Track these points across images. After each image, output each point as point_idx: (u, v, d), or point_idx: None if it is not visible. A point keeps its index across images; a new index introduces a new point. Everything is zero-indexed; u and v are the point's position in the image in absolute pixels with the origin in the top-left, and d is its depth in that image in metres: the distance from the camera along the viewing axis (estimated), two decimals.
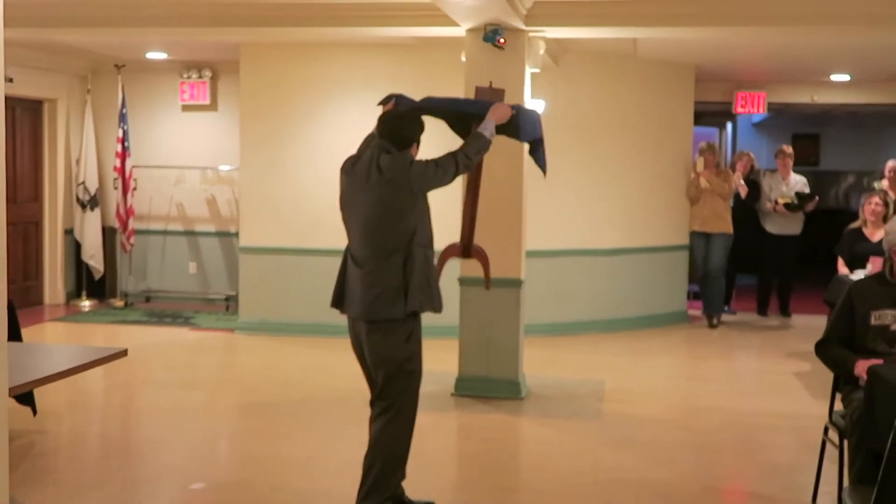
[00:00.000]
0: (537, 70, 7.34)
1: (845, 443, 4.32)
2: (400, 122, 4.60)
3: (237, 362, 8.78)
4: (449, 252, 5.39)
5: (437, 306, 4.53)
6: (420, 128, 4.62)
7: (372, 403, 4.60)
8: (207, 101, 10.88)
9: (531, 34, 7.08)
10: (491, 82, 5.12)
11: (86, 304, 10.90)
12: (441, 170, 4.48)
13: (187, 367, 8.31)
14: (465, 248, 5.34)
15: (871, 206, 8.37)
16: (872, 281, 4.61)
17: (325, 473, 5.43)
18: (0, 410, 2.47)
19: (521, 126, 4.95)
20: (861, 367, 4.32)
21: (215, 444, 6.29)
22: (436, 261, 4.74)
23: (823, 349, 4.62)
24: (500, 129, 4.85)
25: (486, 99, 5.03)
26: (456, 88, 7.19)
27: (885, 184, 10.58)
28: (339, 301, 4.62)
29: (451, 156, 4.52)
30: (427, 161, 4.49)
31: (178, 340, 9.27)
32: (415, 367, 4.51)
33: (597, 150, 9.76)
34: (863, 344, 4.48)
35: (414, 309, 4.44)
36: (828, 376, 4.79)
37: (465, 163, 4.56)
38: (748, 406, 7.08)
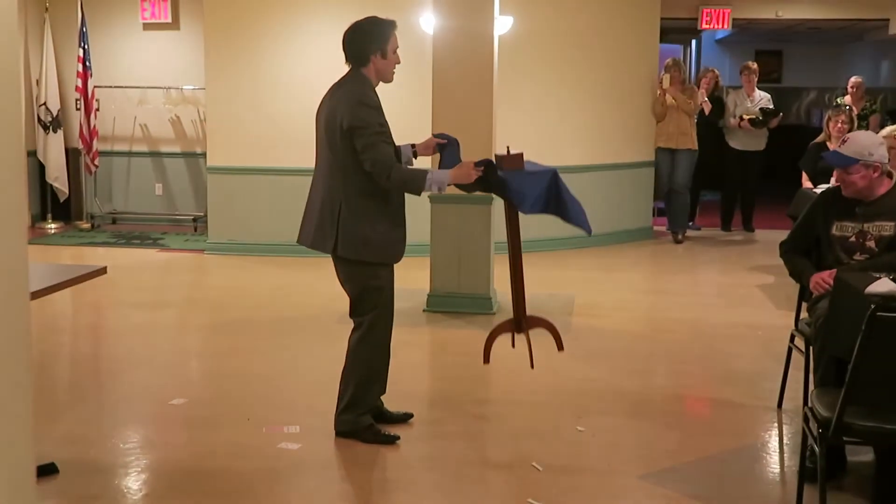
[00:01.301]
0: None
1: (811, 349, 4.45)
2: (351, 33, 4.40)
3: (207, 282, 8.80)
4: (499, 330, 4.83)
5: (379, 257, 4.45)
6: (372, 36, 4.35)
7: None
8: (169, 20, 10.72)
9: None
10: (508, 147, 4.60)
11: (51, 226, 10.83)
12: (370, 153, 4.25)
13: (158, 288, 8.33)
14: (518, 321, 4.77)
15: (837, 124, 8.49)
16: (838, 192, 4.70)
17: (301, 388, 5.51)
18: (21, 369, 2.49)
19: (514, 190, 4.49)
20: (814, 280, 4.46)
21: (190, 362, 6.36)
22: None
23: (787, 252, 4.75)
24: (496, 190, 4.66)
25: (503, 164, 4.56)
26: (424, 4, 7.15)
27: (847, 99, 10.71)
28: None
29: (388, 162, 4.27)
30: (376, 134, 4.27)
31: (147, 261, 9.27)
32: (381, 283, 4.51)
33: (563, 67, 9.75)
34: (824, 253, 4.60)
35: (344, 255, 4.43)
36: (791, 289, 4.92)
37: (391, 179, 4.30)
38: (714, 318, 7.23)
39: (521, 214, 4.64)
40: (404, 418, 4.84)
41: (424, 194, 4.64)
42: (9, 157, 2.45)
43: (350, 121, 4.27)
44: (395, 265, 4.59)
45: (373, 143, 4.26)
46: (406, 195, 4.48)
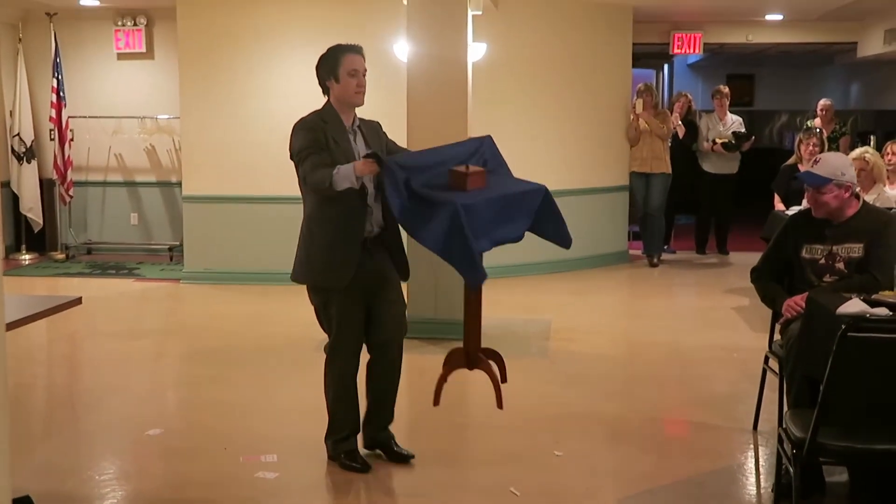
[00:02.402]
0: (479, 12, 7.36)
1: (784, 371, 4.49)
2: (316, 66, 4.47)
3: (184, 311, 8.77)
4: (453, 362, 4.52)
5: (316, 281, 4.45)
6: (324, 63, 4.39)
7: None
8: (143, 49, 10.72)
9: None
10: (467, 166, 4.30)
11: (26, 257, 10.77)
12: (300, 171, 4.32)
13: (134, 318, 8.29)
14: (470, 356, 4.44)
15: (808, 147, 8.61)
16: (807, 215, 4.76)
17: (278, 416, 5.49)
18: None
19: (390, 201, 4.15)
20: (786, 305, 4.51)
21: (166, 392, 6.32)
22: None
23: (758, 278, 4.80)
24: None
25: (459, 183, 4.22)
26: (398, 32, 7.19)
27: (817, 122, 10.85)
28: None
29: (312, 165, 4.26)
30: (303, 150, 4.29)
31: (122, 291, 9.23)
32: (331, 312, 4.48)
33: (537, 93, 9.82)
34: (795, 276, 4.64)
35: (297, 280, 4.50)
36: (766, 311, 4.94)
37: (307, 183, 4.33)
38: (689, 341, 7.28)
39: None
40: (405, 458, 4.71)
41: None
42: None
43: (290, 150, 4.40)
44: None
45: (300, 161, 4.33)
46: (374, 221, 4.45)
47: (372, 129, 4.57)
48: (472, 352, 4.40)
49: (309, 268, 4.46)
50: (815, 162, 4.66)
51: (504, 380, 4.51)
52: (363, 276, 4.42)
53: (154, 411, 5.71)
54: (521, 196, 4.38)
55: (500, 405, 4.41)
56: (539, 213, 4.38)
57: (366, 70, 4.44)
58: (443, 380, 4.49)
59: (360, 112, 4.57)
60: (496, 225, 4.20)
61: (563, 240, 4.53)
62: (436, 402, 4.48)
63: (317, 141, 4.30)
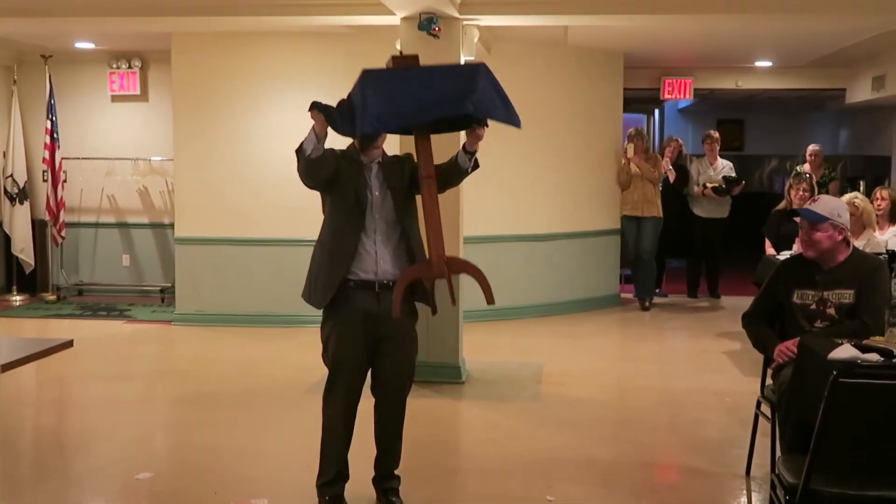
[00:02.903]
0: (472, 58, 7.42)
1: (776, 416, 4.49)
2: None
3: (175, 353, 8.74)
4: (412, 273, 4.37)
5: (312, 302, 4.51)
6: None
7: None
8: (137, 92, 10.77)
9: (465, 22, 7.16)
10: (401, 51, 4.45)
11: (17, 298, 10.74)
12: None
13: (125, 360, 8.26)
14: (438, 264, 4.30)
15: (798, 192, 8.66)
16: (798, 261, 4.78)
17: (269, 460, 5.46)
18: None
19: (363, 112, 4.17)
20: (778, 350, 4.52)
21: (157, 435, 6.29)
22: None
23: (750, 323, 4.81)
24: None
25: (401, 66, 4.41)
26: None
27: (806, 167, 10.94)
28: None
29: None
30: None
31: (113, 333, 9.19)
32: (325, 335, 4.51)
33: (529, 136, 9.82)
34: (787, 320, 4.66)
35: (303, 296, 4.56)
36: (757, 355, 4.95)
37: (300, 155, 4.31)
38: (681, 385, 7.27)
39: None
40: None
41: None
42: None
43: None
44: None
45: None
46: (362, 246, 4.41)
47: (394, 163, 4.57)
48: (438, 260, 4.29)
49: (305, 284, 4.52)
50: (814, 201, 4.72)
51: (490, 300, 4.36)
52: (369, 319, 4.41)
53: (144, 455, 5.67)
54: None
55: (490, 300, 4.32)
56: (481, 91, 4.26)
57: None
58: (400, 290, 4.28)
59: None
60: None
61: (512, 120, 4.43)
62: (396, 312, 4.27)
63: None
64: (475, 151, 4.46)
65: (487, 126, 4.40)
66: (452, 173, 4.52)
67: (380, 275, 4.40)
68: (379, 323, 4.42)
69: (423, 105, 4.25)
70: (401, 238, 4.44)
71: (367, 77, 4.28)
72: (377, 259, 4.40)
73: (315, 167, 4.30)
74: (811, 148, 11.23)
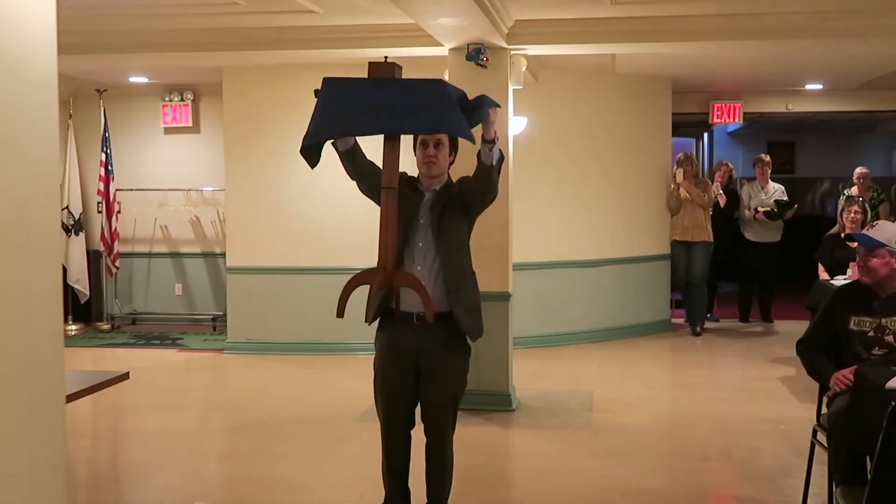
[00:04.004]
0: (520, 87, 7.45)
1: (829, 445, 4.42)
2: None
3: (227, 383, 8.82)
4: (358, 279, 4.30)
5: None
6: None
7: None
8: (190, 124, 10.95)
9: (513, 52, 7.19)
10: (386, 57, 4.35)
11: (72, 327, 10.91)
12: None
13: (177, 389, 8.35)
14: (388, 271, 4.26)
15: (850, 214, 8.55)
16: (855, 287, 4.72)
17: (321, 488, 5.48)
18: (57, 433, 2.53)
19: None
20: (834, 378, 4.45)
21: (210, 465, 6.34)
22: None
23: (805, 351, 4.74)
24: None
25: (380, 74, 4.25)
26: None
27: (854, 189, 10.81)
28: None
29: None
30: None
31: (166, 362, 9.30)
32: (377, 379, 4.54)
33: (578, 163, 9.88)
34: (843, 348, 4.60)
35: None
36: (813, 381, 4.88)
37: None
38: (735, 412, 7.19)
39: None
40: None
41: None
42: (49, 266, 2.55)
43: None
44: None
45: None
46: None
47: (448, 188, 4.53)
48: (389, 267, 4.24)
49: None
50: (872, 226, 4.68)
51: (431, 317, 4.20)
52: (403, 352, 4.42)
53: (198, 484, 5.73)
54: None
55: (430, 316, 4.19)
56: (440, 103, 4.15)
57: (438, 140, 4.43)
58: (346, 294, 4.22)
59: None
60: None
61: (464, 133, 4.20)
62: (339, 313, 4.21)
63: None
64: (494, 140, 4.27)
65: (500, 106, 4.31)
66: (480, 175, 4.36)
67: (414, 306, 4.36)
68: (414, 355, 4.42)
69: (368, 117, 4.18)
70: (440, 268, 4.39)
71: (324, 87, 4.27)
72: (403, 298, 4.37)
73: (345, 159, 4.40)
74: (858, 171, 11.10)
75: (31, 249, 2.61)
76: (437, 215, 4.42)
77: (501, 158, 4.36)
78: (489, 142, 4.27)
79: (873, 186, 11.07)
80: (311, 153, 4.34)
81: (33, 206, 2.64)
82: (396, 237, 4.32)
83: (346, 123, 4.25)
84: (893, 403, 3.32)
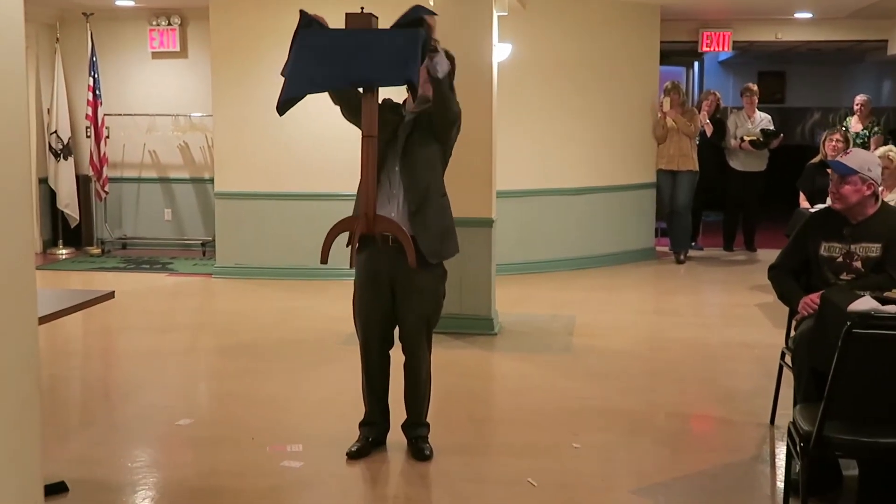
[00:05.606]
0: (505, 13, 7.45)
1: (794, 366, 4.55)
2: None
3: (215, 306, 8.95)
4: (341, 225, 4.46)
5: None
6: None
7: None
8: (177, 49, 10.93)
9: None
10: (362, 7, 4.35)
11: (62, 252, 11.01)
12: None
13: (166, 312, 8.48)
14: (370, 219, 4.37)
15: (832, 143, 8.62)
16: (827, 213, 4.81)
17: (304, 408, 5.63)
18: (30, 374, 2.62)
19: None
20: (802, 302, 4.57)
21: (197, 384, 6.49)
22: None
23: (776, 276, 4.86)
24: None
25: (357, 25, 4.31)
26: None
27: (854, 119, 10.82)
28: None
29: None
30: None
31: (156, 286, 9.42)
32: (355, 300, 4.69)
33: (564, 91, 9.90)
34: (813, 273, 4.70)
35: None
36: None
37: None
38: (712, 337, 7.34)
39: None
40: (422, 457, 4.72)
41: None
42: (17, 187, 2.60)
43: None
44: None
45: None
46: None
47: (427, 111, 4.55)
48: (371, 213, 4.35)
49: None
50: (846, 153, 4.74)
51: (413, 264, 4.37)
52: (378, 273, 4.57)
53: (185, 402, 5.88)
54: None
55: (412, 262, 4.35)
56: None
57: None
58: (329, 241, 4.41)
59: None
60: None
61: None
62: (323, 259, 4.39)
63: None
64: (436, 49, 4.24)
65: (436, 14, 4.29)
66: (436, 93, 4.35)
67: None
68: (388, 277, 4.56)
69: (344, 69, 4.23)
70: (405, 189, 4.48)
71: (296, 39, 4.35)
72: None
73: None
74: (859, 98, 11.09)
75: None
76: (405, 136, 4.50)
77: (451, 71, 4.34)
78: (432, 50, 4.23)
79: (871, 116, 11.08)
80: (286, 108, 4.37)
81: None
82: (377, 184, 4.38)
83: (321, 77, 4.29)
84: (849, 323, 3.43)
